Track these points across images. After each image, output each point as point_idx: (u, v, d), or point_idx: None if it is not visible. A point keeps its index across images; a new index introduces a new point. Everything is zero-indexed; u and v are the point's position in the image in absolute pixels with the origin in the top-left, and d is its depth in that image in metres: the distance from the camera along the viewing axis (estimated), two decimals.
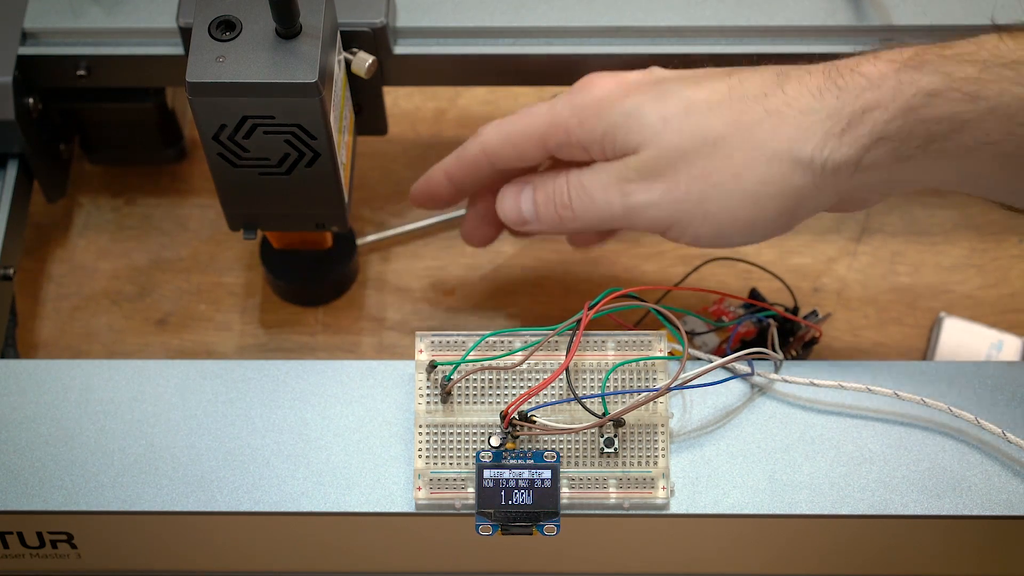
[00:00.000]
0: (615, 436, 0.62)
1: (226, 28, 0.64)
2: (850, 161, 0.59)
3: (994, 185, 0.61)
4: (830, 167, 0.60)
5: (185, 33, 0.70)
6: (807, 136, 0.59)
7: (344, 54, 0.69)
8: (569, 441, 0.62)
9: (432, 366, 0.63)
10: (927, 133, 0.58)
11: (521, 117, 0.68)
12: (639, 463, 0.62)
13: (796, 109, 0.60)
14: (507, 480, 0.61)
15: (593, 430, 0.62)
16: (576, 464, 0.62)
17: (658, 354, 0.63)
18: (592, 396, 0.62)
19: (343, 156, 0.69)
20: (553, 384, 0.63)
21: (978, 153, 0.58)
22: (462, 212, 0.81)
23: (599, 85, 0.65)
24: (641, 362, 0.63)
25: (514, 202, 0.69)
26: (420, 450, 0.62)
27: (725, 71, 0.64)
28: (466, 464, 0.62)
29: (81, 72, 0.74)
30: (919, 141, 0.59)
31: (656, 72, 0.66)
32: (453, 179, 0.71)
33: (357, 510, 0.63)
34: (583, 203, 0.65)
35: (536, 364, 0.63)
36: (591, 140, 0.65)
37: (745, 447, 0.64)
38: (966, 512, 0.62)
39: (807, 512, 0.62)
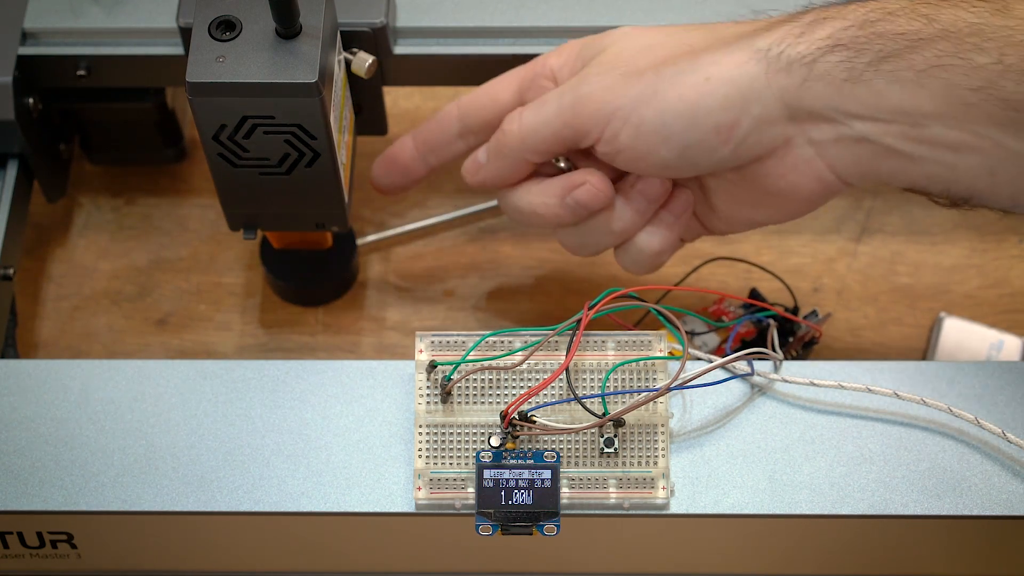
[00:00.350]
0: (615, 436, 0.62)
1: (226, 28, 0.64)
2: (804, 59, 0.60)
3: (941, 144, 0.60)
4: (784, 60, 0.60)
5: (185, 33, 0.70)
6: (768, 32, 0.61)
7: (344, 54, 0.69)
8: (569, 441, 0.62)
9: (432, 366, 0.63)
10: (880, 48, 0.59)
11: (505, 75, 0.70)
12: (639, 463, 0.62)
13: (764, 20, 0.63)
14: (507, 480, 0.61)
15: (593, 430, 0.62)
16: (576, 464, 0.62)
17: (658, 354, 0.63)
18: (592, 396, 0.62)
19: (343, 156, 0.69)
20: (553, 384, 0.63)
21: (928, 79, 0.58)
22: (463, 212, 0.81)
23: (577, 40, 0.68)
24: (641, 362, 0.63)
25: (472, 155, 0.69)
26: (420, 450, 0.63)
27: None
28: (466, 464, 0.62)
29: (81, 72, 0.74)
30: (872, 55, 0.59)
31: None
32: (418, 140, 0.72)
33: (357, 510, 0.63)
34: (534, 108, 0.65)
35: (536, 364, 0.63)
36: (563, 63, 0.66)
37: (745, 447, 0.64)
38: (966, 512, 0.62)
39: (807, 512, 0.62)
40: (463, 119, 0.70)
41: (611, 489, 0.62)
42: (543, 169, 0.68)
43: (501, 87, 0.70)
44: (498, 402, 0.63)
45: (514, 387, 0.63)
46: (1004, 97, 0.57)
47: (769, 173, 0.63)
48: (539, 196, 0.67)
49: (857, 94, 0.60)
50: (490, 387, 0.63)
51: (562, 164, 0.67)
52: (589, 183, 0.65)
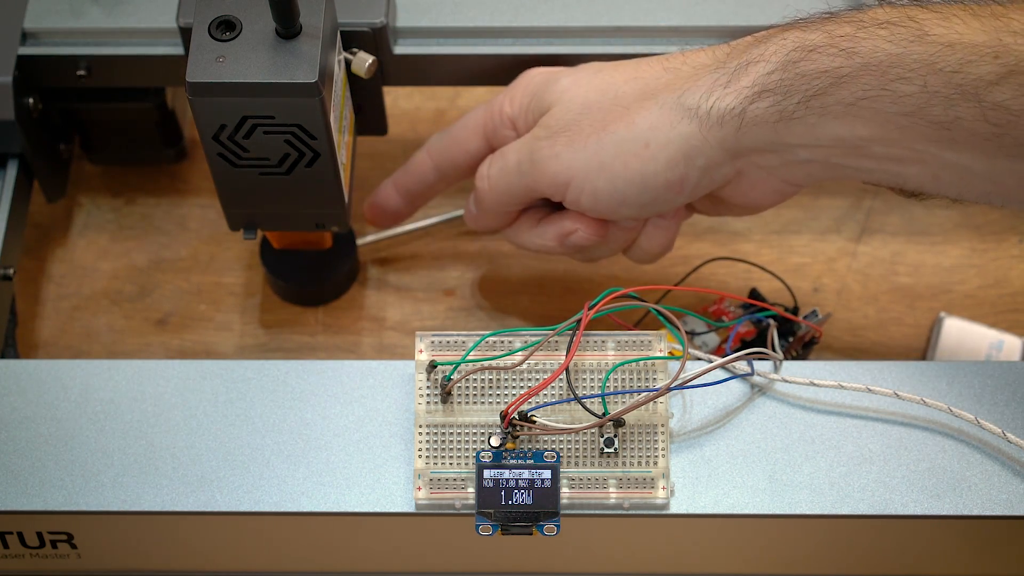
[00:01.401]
0: (615, 436, 0.62)
1: (226, 28, 0.64)
2: (734, 111, 0.62)
3: (895, 155, 0.61)
4: (715, 115, 0.62)
5: (185, 33, 0.70)
6: (696, 86, 0.63)
7: (344, 54, 0.69)
8: (569, 441, 0.62)
9: (432, 366, 0.63)
10: (807, 88, 0.60)
11: (462, 118, 0.72)
12: (639, 463, 0.62)
13: (690, 65, 0.64)
14: (507, 480, 0.61)
15: (593, 430, 0.62)
16: (576, 464, 0.62)
17: (658, 354, 0.63)
18: (592, 396, 0.62)
19: (343, 156, 0.69)
20: (553, 384, 0.63)
21: (858, 110, 0.60)
22: (462, 212, 0.80)
23: (531, 71, 0.70)
24: (641, 362, 0.63)
25: (468, 206, 0.72)
26: (420, 450, 0.63)
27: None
28: (466, 464, 0.62)
29: (81, 72, 0.74)
30: (799, 96, 0.60)
31: (585, 62, 0.70)
32: (400, 189, 0.75)
33: (357, 510, 0.63)
34: (499, 169, 0.69)
35: (536, 364, 0.63)
36: (518, 113, 0.69)
37: (745, 447, 0.64)
38: (966, 512, 0.62)
39: (807, 512, 0.62)
40: (437, 168, 0.74)
41: (611, 489, 0.62)
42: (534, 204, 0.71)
43: (467, 136, 0.72)
44: (498, 402, 0.63)
45: (514, 387, 0.63)
46: (933, 120, 0.59)
47: (730, 194, 0.66)
48: (538, 239, 0.71)
49: (792, 129, 0.61)
50: (490, 387, 0.63)
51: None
52: (580, 230, 0.69)
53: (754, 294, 0.75)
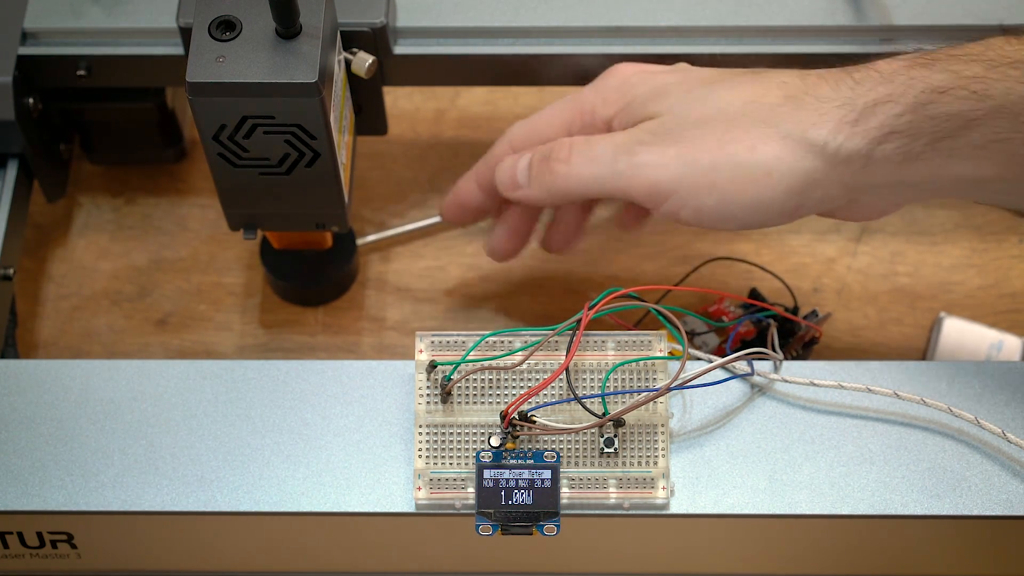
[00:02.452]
0: (615, 436, 0.62)
1: (226, 28, 0.64)
2: (861, 152, 0.60)
3: (1007, 190, 0.61)
4: (842, 155, 0.61)
5: (185, 33, 0.70)
6: (822, 121, 0.61)
7: (344, 54, 0.69)
8: (569, 441, 0.62)
9: (432, 366, 0.63)
10: (936, 130, 0.59)
11: (546, 109, 0.69)
12: (639, 463, 0.62)
13: (813, 96, 0.62)
14: (507, 480, 0.61)
15: (593, 430, 0.62)
16: (576, 464, 0.62)
17: (658, 354, 0.63)
18: (592, 396, 0.62)
19: (343, 156, 0.69)
20: (553, 384, 0.63)
21: (988, 152, 0.59)
22: None
23: (624, 70, 0.67)
24: (641, 362, 0.63)
25: (511, 167, 0.68)
26: (420, 450, 0.63)
27: (751, 70, 0.66)
28: (466, 464, 0.62)
29: (81, 72, 0.74)
30: (928, 138, 0.60)
31: (682, 65, 0.68)
32: (482, 184, 0.72)
33: (357, 510, 0.63)
34: (583, 157, 0.65)
35: (536, 364, 0.63)
36: (613, 114, 0.66)
37: (745, 447, 0.64)
38: (966, 512, 0.62)
39: (807, 512, 0.62)
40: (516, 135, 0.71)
41: (611, 489, 0.62)
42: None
43: (552, 131, 0.69)
44: (498, 402, 0.63)
45: (514, 387, 0.63)
46: None
47: (833, 212, 0.65)
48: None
49: (916, 169, 0.61)
50: (490, 387, 0.63)
51: None
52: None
53: (754, 294, 0.75)
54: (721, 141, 0.62)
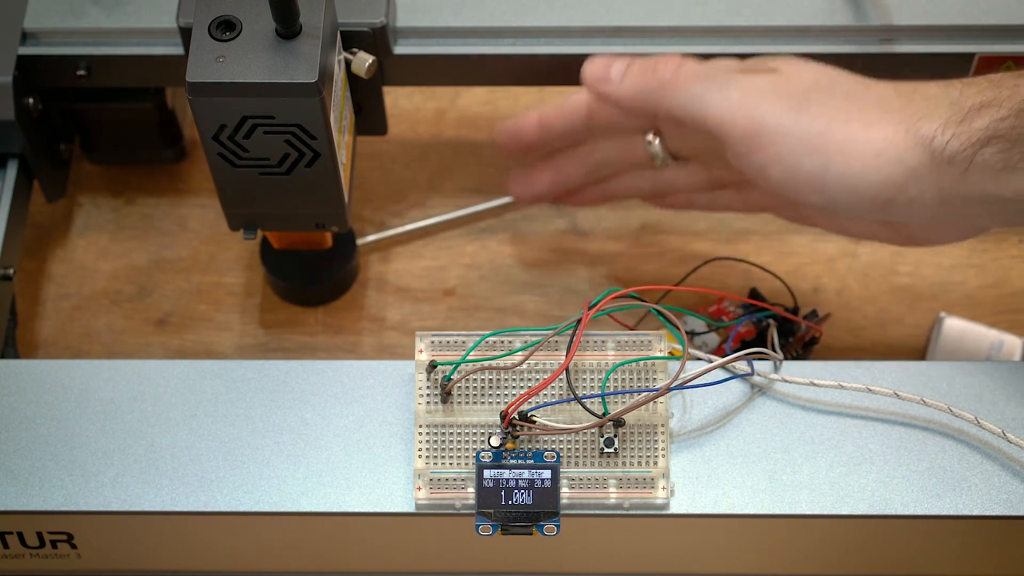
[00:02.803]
0: (615, 436, 0.62)
1: (226, 28, 0.64)
2: (964, 154, 0.60)
3: None
4: (947, 154, 0.60)
5: (185, 33, 0.70)
6: (931, 116, 0.61)
7: (344, 54, 0.69)
8: (569, 441, 0.62)
9: (432, 366, 0.63)
10: None
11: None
12: (639, 463, 0.62)
13: (921, 95, 0.62)
14: (507, 480, 0.61)
15: (593, 430, 0.62)
16: (576, 464, 0.62)
17: (658, 354, 0.63)
18: (592, 396, 0.62)
19: (343, 156, 0.69)
20: (553, 384, 0.63)
21: None
22: (463, 212, 0.81)
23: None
24: (641, 362, 0.63)
25: (604, 61, 0.67)
26: (420, 450, 0.63)
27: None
28: (466, 464, 0.62)
29: (81, 72, 0.74)
30: None
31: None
32: (544, 123, 0.71)
33: (357, 510, 0.63)
34: (692, 73, 0.65)
35: (536, 364, 0.63)
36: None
37: (745, 447, 0.64)
38: (966, 512, 0.62)
39: (807, 512, 0.62)
40: (592, 117, 0.70)
41: (611, 489, 0.62)
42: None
43: (638, 105, 0.68)
44: (498, 402, 0.63)
45: (514, 387, 0.63)
46: None
47: (911, 230, 0.65)
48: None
49: (1012, 182, 0.60)
50: (490, 387, 0.63)
51: (655, 145, 0.68)
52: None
53: (754, 294, 0.75)
54: (836, 110, 0.62)
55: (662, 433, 0.62)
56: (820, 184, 0.62)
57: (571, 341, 0.62)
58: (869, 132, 0.61)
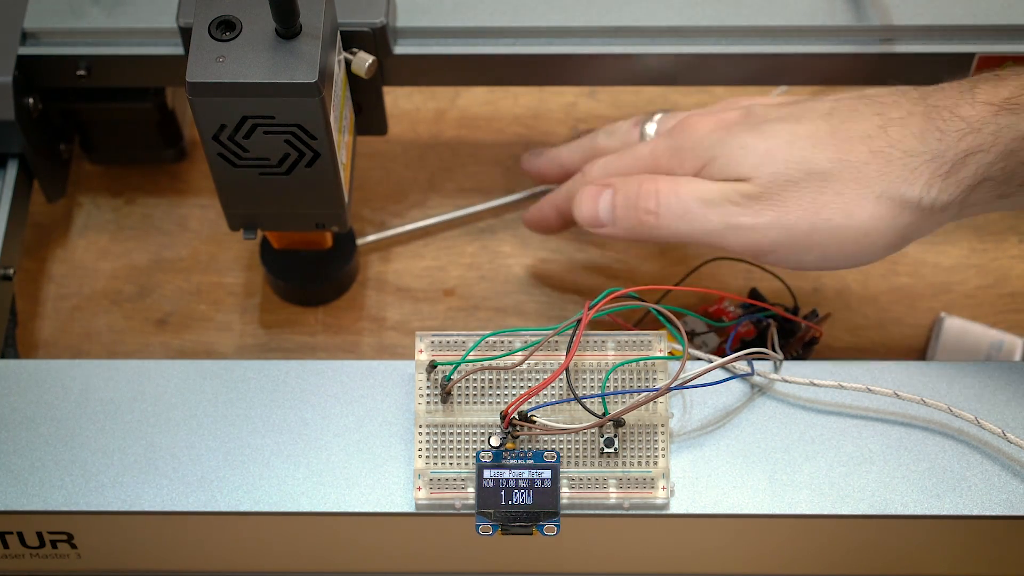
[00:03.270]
0: (615, 436, 0.62)
1: (226, 28, 0.64)
2: (955, 202, 0.61)
3: None
4: (937, 206, 0.61)
5: (185, 33, 0.70)
6: (914, 177, 0.61)
7: (344, 54, 0.69)
8: (569, 441, 0.62)
9: (432, 366, 0.63)
10: None
11: (623, 158, 0.69)
12: (639, 463, 0.62)
13: (900, 151, 0.62)
14: (507, 480, 0.61)
15: (593, 430, 0.62)
16: (576, 464, 0.62)
17: (658, 354, 0.63)
18: (592, 396, 0.62)
19: (343, 156, 0.69)
20: (553, 384, 0.63)
21: None
22: (463, 212, 0.81)
23: (698, 127, 0.66)
24: (641, 362, 0.63)
25: (591, 203, 0.68)
26: (420, 450, 0.63)
27: (824, 109, 0.65)
28: (466, 464, 0.62)
29: (81, 72, 0.74)
30: (1021, 179, 0.60)
31: (755, 110, 0.66)
32: (561, 211, 0.73)
33: (357, 510, 0.63)
34: (673, 212, 0.65)
35: (536, 364, 0.63)
36: (693, 172, 0.66)
37: (745, 447, 0.64)
38: (966, 512, 0.62)
39: (807, 512, 0.62)
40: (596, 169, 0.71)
41: (611, 489, 0.62)
42: None
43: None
44: (498, 402, 0.63)
45: (514, 387, 0.63)
46: None
47: None
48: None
49: (1008, 204, 0.62)
50: (490, 387, 0.63)
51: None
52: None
53: (754, 294, 0.75)
54: (816, 204, 0.62)
55: (662, 433, 0.62)
56: (829, 266, 0.64)
57: (571, 341, 0.62)
58: (852, 219, 0.62)
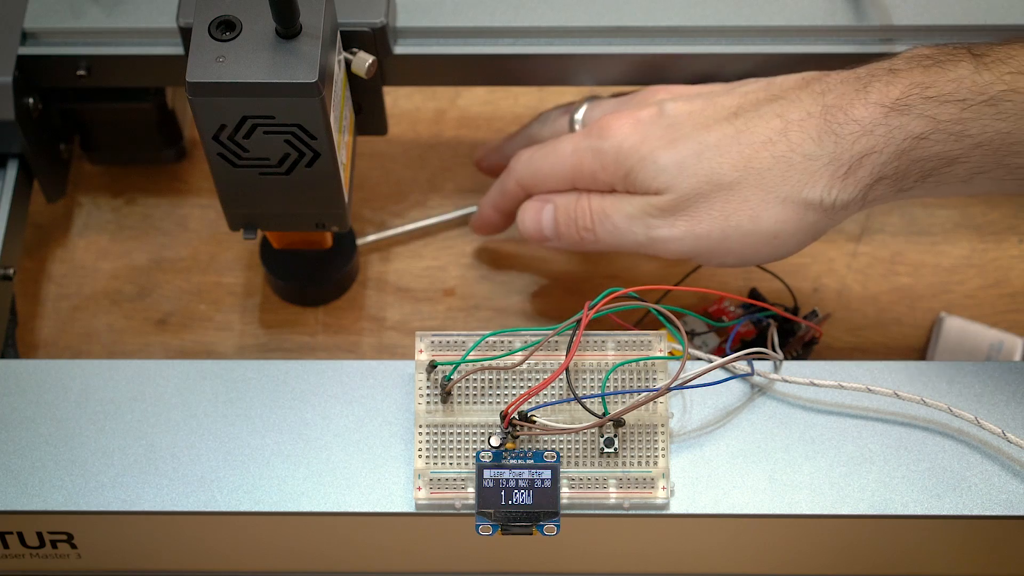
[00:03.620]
0: (615, 436, 0.62)
1: (226, 28, 0.64)
2: (856, 199, 0.64)
3: (999, 191, 0.65)
4: (839, 205, 0.64)
5: (185, 33, 0.70)
6: (814, 180, 0.64)
7: (344, 54, 0.69)
8: (569, 441, 0.62)
9: (432, 366, 0.63)
10: (922, 170, 0.63)
11: (547, 156, 0.71)
12: (639, 463, 0.62)
13: (800, 154, 0.64)
14: (507, 480, 0.61)
15: (593, 430, 0.62)
16: (576, 464, 0.62)
17: (658, 354, 0.63)
18: (592, 396, 0.62)
19: (343, 156, 0.69)
20: (553, 384, 0.63)
21: (974, 182, 0.63)
22: (463, 211, 0.81)
23: (616, 130, 0.68)
24: (641, 362, 0.63)
25: (535, 218, 0.71)
26: (420, 450, 0.63)
27: (731, 107, 0.67)
28: (466, 464, 0.62)
29: (81, 72, 0.74)
30: (916, 177, 0.63)
31: (667, 109, 0.68)
32: (501, 210, 0.75)
33: (357, 510, 0.63)
34: (606, 229, 0.69)
35: (536, 364, 0.63)
36: (615, 180, 0.68)
37: (745, 447, 0.64)
38: (966, 512, 0.62)
39: (807, 512, 0.62)
40: (529, 192, 0.73)
41: (611, 489, 0.62)
42: None
43: (556, 183, 0.71)
44: (498, 402, 0.63)
45: (514, 387, 0.63)
46: None
47: None
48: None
49: (909, 196, 0.65)
50: (490, 387, 0.63)
51: None
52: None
53: (754, 294, 0.75)
54: (724, 212, 0.65)
55: (662, 433, 0.62)
56: (747, 263, 0.67)
57: (571, 341, 0.62)
58: (759, 223, 0.65)
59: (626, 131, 0.68)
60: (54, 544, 0.65)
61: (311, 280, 0.78)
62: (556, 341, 0.63)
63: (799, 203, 0.64)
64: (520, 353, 0.63)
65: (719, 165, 0.65)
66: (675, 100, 0.69)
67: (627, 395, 0.63)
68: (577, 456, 0.62)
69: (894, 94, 0.62)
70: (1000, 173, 0.62)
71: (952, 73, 0.62)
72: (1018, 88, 0.60)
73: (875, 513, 0.62)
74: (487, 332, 0.63)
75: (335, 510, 0.63)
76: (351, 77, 0.70)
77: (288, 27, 0.63)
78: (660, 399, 0.62)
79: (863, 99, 0.63)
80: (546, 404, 0.62)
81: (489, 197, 0.76)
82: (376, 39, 0.70)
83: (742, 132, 0.65)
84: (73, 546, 0.65)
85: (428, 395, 0.63)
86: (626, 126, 0.68)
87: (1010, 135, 0.61)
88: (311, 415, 0.65)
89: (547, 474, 0.61)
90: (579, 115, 0.73)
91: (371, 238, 0.80)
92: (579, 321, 0.62)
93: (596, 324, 0.63)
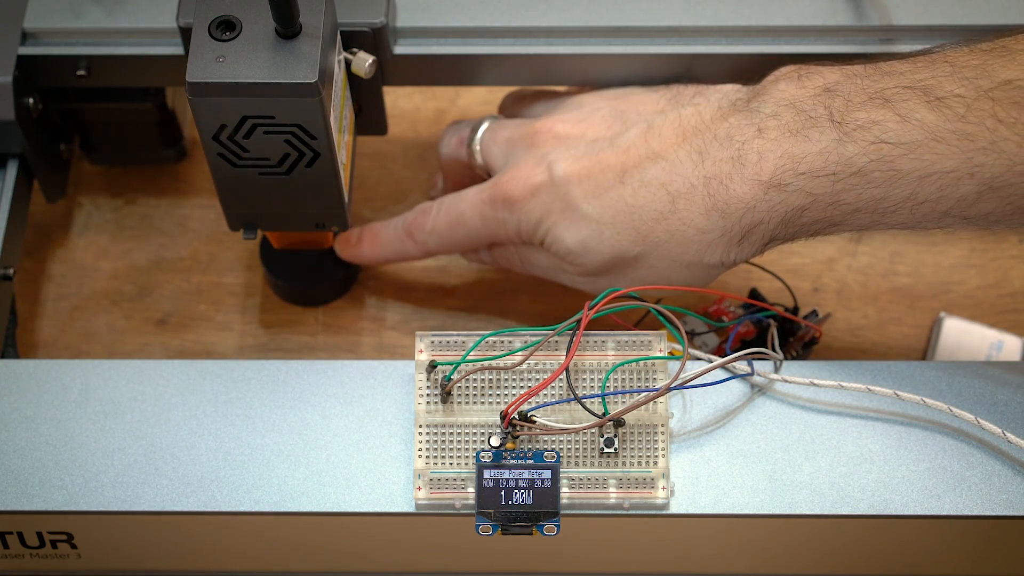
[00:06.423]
0: (615, 436, 0.62)
1: (226, 28, 0.64)
2: (757, 252, 0.67)
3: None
4: (740, 259, 0.67)
5: (185, 33, 0.70)
6: (711, 250, 0.66)
7: (344, 54, 0.69)
8: (569, 441, 0.62)
9: (432, 366, 0.63)
10: (808, 231, 0.65)
11: (455, 228, 0.72)
12: (639, 463, 0.62)
13: (693, 228, 0.65)
14: (507, 480, 0.61)
15: (593, 430, 0.62)
16: (576, 464, 0.62)
17: (658, 354, 0.63)
18: (592, 396, 0.62)
19: (343, 156, 0.69)
20: (553, 384, 0.63)
21: (861, 232, 0.67)
22: None
23: (516, 201, 0.69)
24: (641, 362, 0.63)
25: (475, 257, 0.75)
26: (420, 450, 0.63)
27: (616, 171, 0.67)
28: (466, 464, 0.62)
29: (81, 72, 0.74)
30: (810, 233, 0.65)
31: (555, 173, 0.68)
32: (389, 259, 0.76)
33: (357, 510, 0.63)
34: (534, 271, 0.72)
35: (536, 364, 0.63)
36: (533, 238, 0.70)
37: (745, 447, 0.64)
38: (966, 512, 0.62)
39: (807, 512, 0.62)
40: (433, 248, 0.75)
41: (611, 489, 0.62)
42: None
43: (471, 245, 0.73)
44: (498, 402, 0.63)
45: (514, 387, 0.63)
46: (928, 230, 0.64)
47: None
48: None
49: (800, 240, 0.66)
50: (490, 387, 0.63)
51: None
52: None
53: (754, 294, 0.75)
54: (637, 275, 0.68)
55: (662, 433, 0.62)
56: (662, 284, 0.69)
57: (571, 341, 0.62)
58: (671, 281, 0.67)
59: (525, 202, 0.69)
60: (54, 544, 0.65)
61: (311, 280, 0.78)
62: (556, 341, 0.63)
63: (703, 265, 0.66)
64: (520, 353, 0.63)
65: (619, 243, 0.67)
66: (562, 159, 0.68)
67: (627, 395, 0.63)
68: (577, 456, 0.62)
69: (768, 169, 0.63)
70: (882, 227, 0.63)
71: (818, 145, 0.62)
72: (883, 157, 0.61)
73: (875, 513, 0.62)
74: (487, 332, 0.63)
75: (335, 510, 0.63)
76: (351, 77, 0.70)
77: (288, 27, 0.63)
78: (660, 399, 0.62)
79: (740, 173, 0.64)
80: (546, 404, 0.62)
81: (384, 247, 0.75)
82: (376, 39, 0.70)
83: (633, 207, 0.66)
84: (73, 546, 0.65)
85: (428, 395, 0.63)
86: (525, 194, 0.69)
87: (884, 200, 0.62)
88: (311, 415, 0.65)
89: (547, 474, 0.61)
90: (476, 145, 0.74)
91: None
92: (579, 321, 0.62)
93: (596, 324, 0.63)
